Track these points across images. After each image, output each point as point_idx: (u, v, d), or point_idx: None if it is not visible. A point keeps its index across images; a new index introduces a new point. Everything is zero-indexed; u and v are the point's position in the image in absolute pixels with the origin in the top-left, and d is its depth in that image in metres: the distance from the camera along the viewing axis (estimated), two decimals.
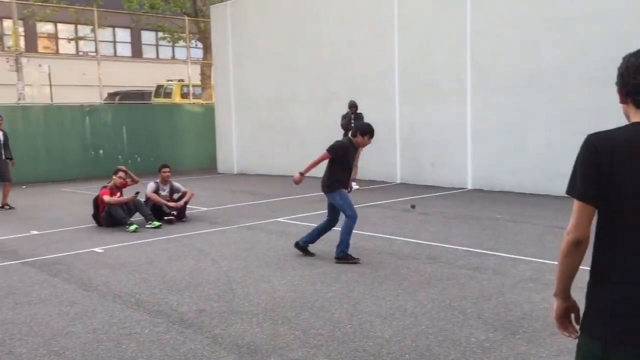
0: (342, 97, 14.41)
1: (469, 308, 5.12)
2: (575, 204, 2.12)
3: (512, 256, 6.86)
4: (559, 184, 13.12)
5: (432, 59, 13.24)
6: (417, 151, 13.67)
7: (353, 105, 13.13)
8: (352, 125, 13.22)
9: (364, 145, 7.14)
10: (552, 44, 11.33)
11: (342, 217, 6.92)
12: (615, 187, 2.05)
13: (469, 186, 12.74)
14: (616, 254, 2.09)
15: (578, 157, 2.13)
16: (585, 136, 2.12)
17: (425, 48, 13.36)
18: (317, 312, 5.11)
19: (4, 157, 12.01)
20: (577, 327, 2.25)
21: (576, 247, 2.13)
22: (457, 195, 11.98)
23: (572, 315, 2.30)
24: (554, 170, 11.42)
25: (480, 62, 12.42)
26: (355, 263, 6.70)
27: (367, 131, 6.98)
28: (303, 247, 7.17)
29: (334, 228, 7.13)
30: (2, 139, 11.99)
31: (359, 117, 13.17)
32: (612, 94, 9.71)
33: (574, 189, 2.13)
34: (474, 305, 5.20)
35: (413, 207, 9.47)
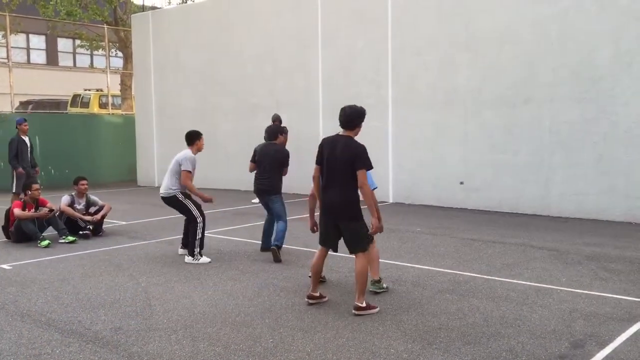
0: (266, 110, 14.40)
1: (389, 320, 5.22)
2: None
3: (430, 268, 7.06)
4: (474, 198, 13.51)
5: (355, 74, 13.49)
6: None
7: (277, 119, 13.14)
8: None
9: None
10: (467, 64, 11.82)
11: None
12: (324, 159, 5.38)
13: (390, 200, 13.01)
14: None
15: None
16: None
17: (348, 63, 13.60)
18: (238, 327, 5.05)
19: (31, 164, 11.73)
20: None
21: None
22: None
23: None
24: (469, 184, 11.87)
25: (400, 79, 12.77)
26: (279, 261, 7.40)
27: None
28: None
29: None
30: (29, 145, 11.71)
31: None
32: (522, 112, 10.21)
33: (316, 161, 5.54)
34: (393, 316, 5.31)
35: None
